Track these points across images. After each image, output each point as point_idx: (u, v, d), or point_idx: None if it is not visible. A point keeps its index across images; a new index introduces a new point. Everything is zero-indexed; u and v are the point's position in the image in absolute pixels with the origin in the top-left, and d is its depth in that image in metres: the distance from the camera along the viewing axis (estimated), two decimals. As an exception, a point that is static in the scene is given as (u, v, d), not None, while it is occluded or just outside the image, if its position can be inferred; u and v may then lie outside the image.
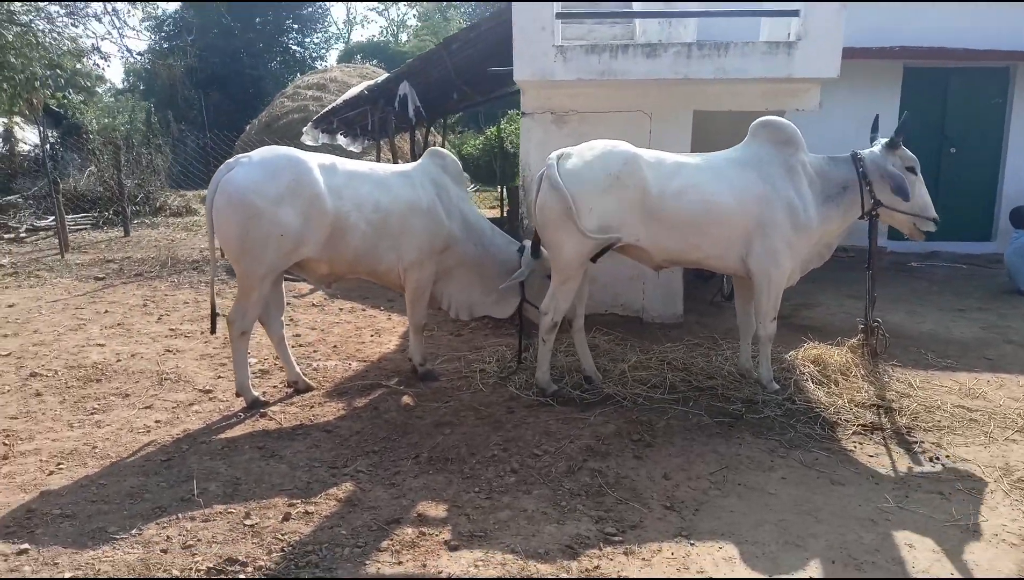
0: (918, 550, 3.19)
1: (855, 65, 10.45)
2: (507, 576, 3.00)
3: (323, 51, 41.09)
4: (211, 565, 3.05)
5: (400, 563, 3.10)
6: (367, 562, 3.10)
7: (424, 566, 3.08)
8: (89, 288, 9.11)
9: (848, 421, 4.56)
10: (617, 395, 4.92)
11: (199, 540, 3.26)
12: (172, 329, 6.99)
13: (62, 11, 14.90)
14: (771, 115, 5.02)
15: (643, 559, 3.15)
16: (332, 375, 5.63)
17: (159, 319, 7.42)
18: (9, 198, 18.02)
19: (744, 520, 3.44)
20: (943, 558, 3.13)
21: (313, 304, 8.13)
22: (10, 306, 8.01)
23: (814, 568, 3.06)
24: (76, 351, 6.23)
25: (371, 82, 11.92)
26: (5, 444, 4.32)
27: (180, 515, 3.48)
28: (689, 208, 4.67)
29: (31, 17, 13.46)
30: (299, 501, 3.62)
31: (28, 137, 22.80)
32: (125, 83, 41.48)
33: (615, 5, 6.93)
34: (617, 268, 6.45)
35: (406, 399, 5.05)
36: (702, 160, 4.89)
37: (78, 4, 14.73)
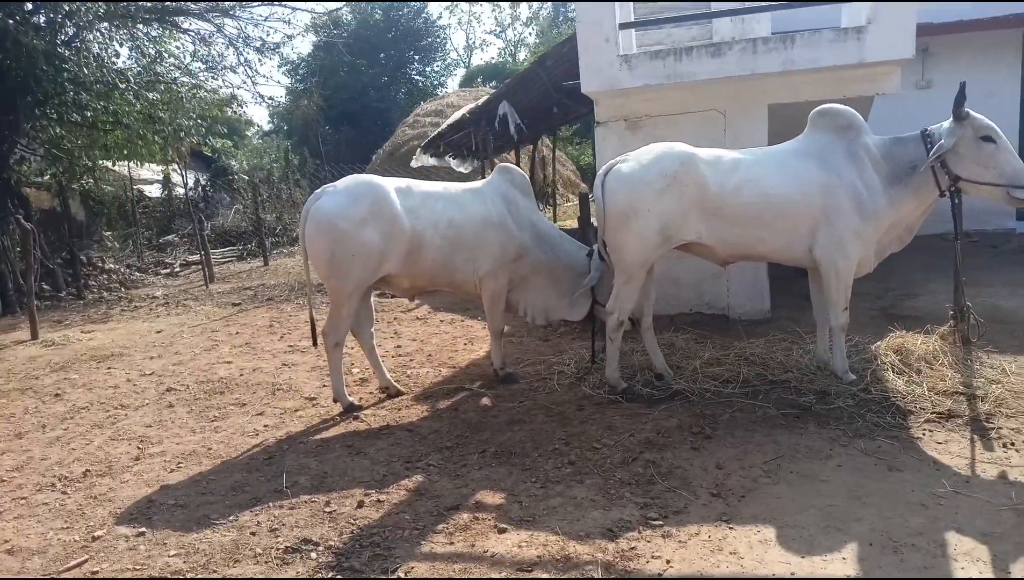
0: (965, 533, 3.14)
1: (969, 38, 9.95)
2: (546, 555, 3.23)
3: (443, 78, 42.63)
4: (289, 545, 3.48)
5: (452, 543, 3.40)
6: (423, 542, 3.42)
7: (473, 546, 3.36)
8: (225, 313, 10.10)
9: (923, 409, 4.46)
10: (686, 390, 5.03)
11: (283, 524, 3.71)
12: (291, 346, 7.68)
13: (203, 66, 16.52)
14: (851, 102, 4.99)
15: (679, 541, 3.29)
16: (423, 381, 6.05)
17: (281, 337, 8.16)
18: (167, 238, 20.04)
19: (789, 506, 3.50)
20: (989, 540, 3.07)
21: (417, 317, 8.65)
22: (158, 332, 9.03)
23: (850, 550, 3.09)
24: (207, 368, 7.00)
25: (473, 105, 12.45)
26: (139, 447, 4.99)
27: (271, 504, 3.95)
28: (750, 202, 4.73)
29: (176, 75, 15.01)
30: (374, 491, 4.00)
31: (175, 179, 25.23)
32: (271, 124, 44.86)
33: (683, 6, 6.99)
34: (701, 266, 6.49)
35: (485, 400, 5.37)
36: (762, 154, 4.94)
37: (216, 58, 16.29)
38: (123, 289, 13.68)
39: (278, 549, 3.45)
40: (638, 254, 4.85)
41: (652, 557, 3.17)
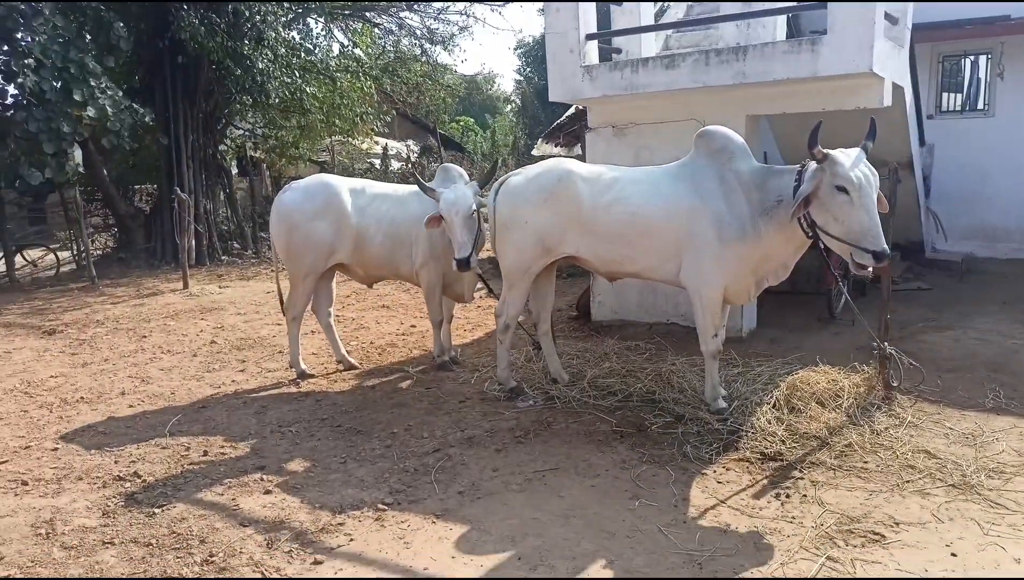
0: (613, 564, 3.23)
1: None
2: (269, 516, 3.80)
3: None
4: (119, 474, 4.38)
5: (222, 495, 4.08)
6: (204, 490, 4.14)
7: (233, 500, 4.02)
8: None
9: (751, 447, 4.31)
10: (556, 397, 5.21)
11: (143, 459, 4.62)
12: (338, 315, 8.69)
13: (392, 55, 18.26)
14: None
15: (382, 525, 3.70)
16: (390, 359, 6.73)
17: (343, 307, 9.24)
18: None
19: (504, 513, 3.74)
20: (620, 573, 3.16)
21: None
22: (268, 292, 10.57)
23: (496, 558, 3.34)
24: (258, 327, 8.25)
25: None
26: (135, 386, 6.23)
27: (158, 442, 4.89)
28: (618, 220, 4.79)
29: (360, 67, 16.79)
30: (228, 444, 4.79)
31: (402, 151, 27.83)
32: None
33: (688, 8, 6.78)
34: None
35: (404, 383, 5.94)
36: (641, 173, 4.95)
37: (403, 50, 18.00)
38: (299, 252, 15.74)
39: (112, 476, 4.37)
40: (517, 263, 5.11)
41: (344, 534, 3.63)
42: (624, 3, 6.84)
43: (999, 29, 8.76)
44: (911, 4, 6.11)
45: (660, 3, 7.38)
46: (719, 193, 4.57)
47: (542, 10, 6.23)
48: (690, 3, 8.02)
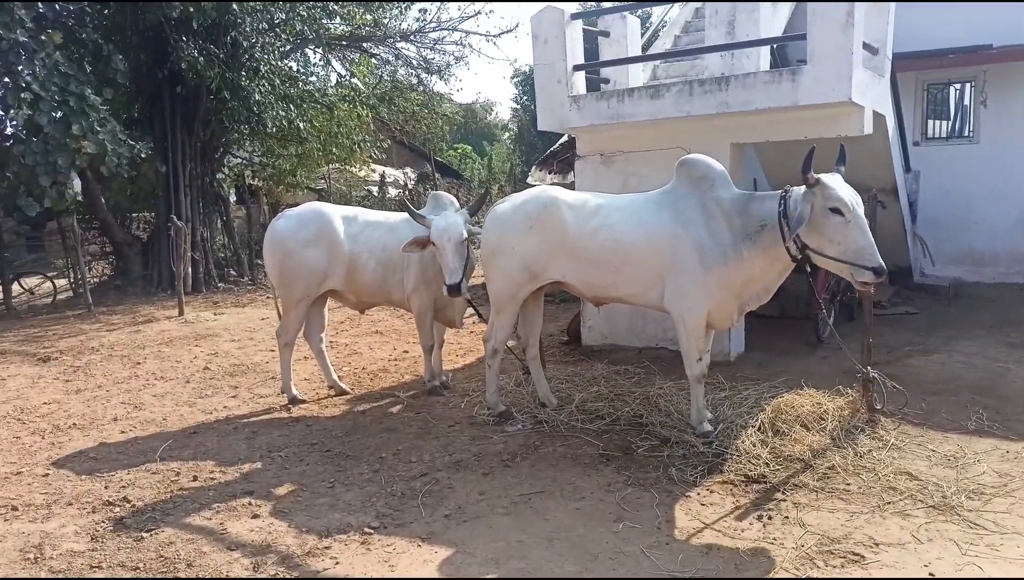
0: (591, 586, 3.27)
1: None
2: (257, 540, 3.84)
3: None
4: (108, 499, 4.41)
5: (210, 519, 4.11)
6: (193, 515, 4.17)
7: (222, 524, 4.05)
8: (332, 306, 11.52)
9: (734, 470, 4.36)
10: (544, 421, 5.26)
11: (133, 485, 4.66)
12: (332, 341, 8.76)
13: (389, 84, 18.50)
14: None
15: (368, 548, 3.73)
16: (378, 384, 6.78)
17: (336, 333, 9.30)
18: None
19: (488, 535, 3.77)
20: (596, 596, 3.19)
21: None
22: (263, 319, 10.64)
23: (478, 581, 3.37)
24: (252, 354, 8.30)
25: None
26: (127, 412, 6.26)
27: (148, 467, 4.92)
28: (603, 246, 4.88)
29: (357, 95, 17.02)
30: (218, 469, 4.83)
31: (400, 178, 28.06)
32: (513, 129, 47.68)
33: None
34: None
35: (395, 408, 5.98)
36: (625, 200, 5.04)
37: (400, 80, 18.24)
38: (295, 279, 15.82)
39: (102, 501, 4.40)
40: (504, 289, 5.18)
41: (330, 558, 3.66)
42: (611, 34, 6.99)
43: (981, 58, 8.95)
44: (890, 34, 6.25)
45: (648, 34, 7.53)
46: (700, 220, 4.66)
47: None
48: (677, 34, 8.20)
